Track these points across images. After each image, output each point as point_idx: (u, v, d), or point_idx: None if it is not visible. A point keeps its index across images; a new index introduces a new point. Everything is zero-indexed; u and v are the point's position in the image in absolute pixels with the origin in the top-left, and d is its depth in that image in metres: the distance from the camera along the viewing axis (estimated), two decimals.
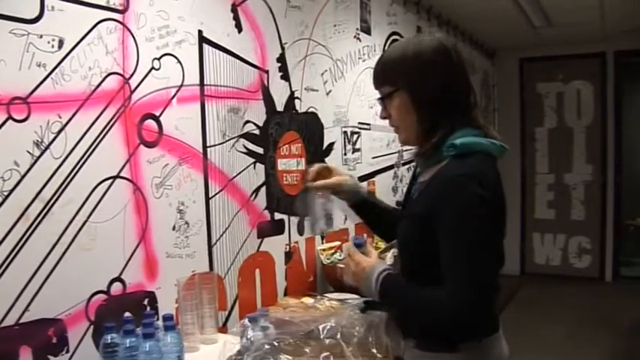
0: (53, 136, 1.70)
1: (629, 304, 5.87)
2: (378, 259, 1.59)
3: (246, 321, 1.81)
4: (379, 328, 1.70)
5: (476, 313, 1.35)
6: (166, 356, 1.67)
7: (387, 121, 1.59)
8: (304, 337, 1.70)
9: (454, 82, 1.48)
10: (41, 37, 1.67)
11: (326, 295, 2.78)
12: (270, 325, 1.81)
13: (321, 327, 1.71)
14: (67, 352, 1.75)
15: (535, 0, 4.73)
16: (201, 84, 2.28)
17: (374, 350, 1.64)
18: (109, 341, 1.68)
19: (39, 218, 1.67)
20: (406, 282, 1.50)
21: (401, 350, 1.60)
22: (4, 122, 1.57)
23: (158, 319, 1.94)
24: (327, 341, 1.66)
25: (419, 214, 1.43)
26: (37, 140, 1.66)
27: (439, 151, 1.44)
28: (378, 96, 1.56)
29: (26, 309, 1.63)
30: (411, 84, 1.47)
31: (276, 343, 1.68)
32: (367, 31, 3.68)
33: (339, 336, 1.64)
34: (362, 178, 3.61)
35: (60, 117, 1.72)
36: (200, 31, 2.26)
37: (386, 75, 1.53)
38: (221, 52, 2.38)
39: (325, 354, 1.63)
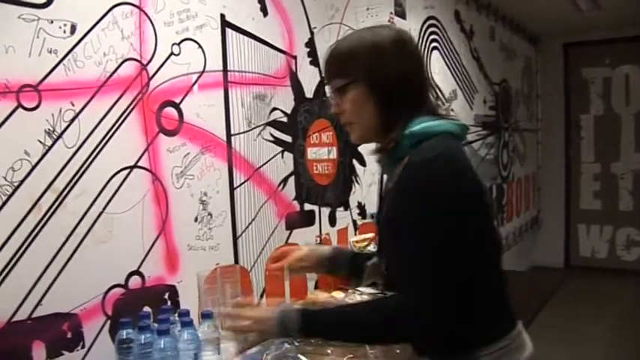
0: (66, 124, 1.64)
1: (623, 292, 5.63)
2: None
3: None
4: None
5: (442, 311, 1.22)
6: (183, 354, 1.60)
7: None
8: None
9: (413, 73, 1.39)
10: (52, 22, 1.60)
11: (359, 289, 2.67)
12: None
13: None
14: (83, 347, 1.69)
15: None
16: (225, 70, 2.19)
17: (397, 351, 1.53)
18: (124, 337, 1.62)
19: (52, 209, 1.61)
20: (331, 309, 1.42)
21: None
22: (14, 111, 1.51)
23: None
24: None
25: (393, 221, 1.33)
26: (49, 129, 1.60)
27: (400, 146, 1.32)
28: (329, 91, 1.46)
29: (39, 303, 1.58)
30: (369, 74, 1.36)
31: (297, 343, 1.59)
32: (402, 15, 3.54)
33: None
34: None
35: (73, 105, 1.66)
36: (222, 15, 2.17)
37: (341, 66, 1.41)
38: (245, 37, 2.29)
39: (349, 356, 1.53)
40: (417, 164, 1.27)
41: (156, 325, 1.64)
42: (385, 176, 1.49)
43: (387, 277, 1.42)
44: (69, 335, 1.65)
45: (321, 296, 2.53)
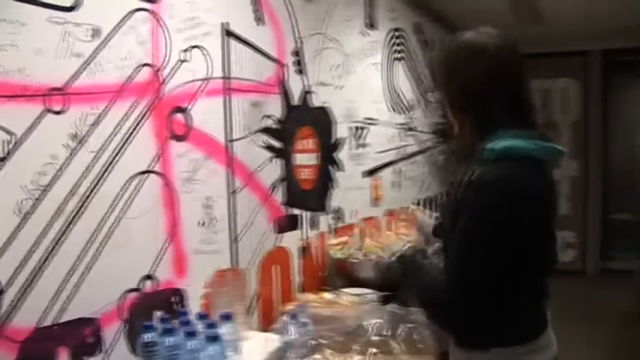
0: (88, 128, 1.64)
1: (613, 297, 5.97)
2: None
3: (286, 317, 1.77)
4: (423, 326, 1.67)
5: (457, 314, 1.39)
6: (211, 355, 1.62)
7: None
8: (349, 334, 1.66)
9: (477, 84, 1.44)
10: (78, 25, 1.61)
11: (341, 290, 2.74)
12: (310, 321, 1.77)
13: (364, 323, 1.68)
14: (101, 351, 1.69)
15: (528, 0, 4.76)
16: (226, 77, 2.23)
17: (420, 346, 1.61)
18: (148, 340, 1.63)
19: (75, 214, 1.61)
20: (427, 264, 1.59)
21: (442, 346, 1.60)
22: (42, 114, 1.51)
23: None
24: (375, 338, 1.63)
25: (454, 212, 1.44)
26: (73, 133, 1.60)
27: (480, 153, 1.42)
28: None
29: (63, 308, 1.57)
30: (443, 88, 1.50)
31: (322, 340, 1.64)
32: (372, 26, 3.65)
33: (387, 332, 1.61)
34: (367, 173, 3.59)
35: (95, 109, 1.66)
36: (225, 24, 2.21)
37: (435, 80, 1.55)
38: (243, 45, 2.33)
39: (373, 350, 1.60)
40: (486, 184, 1.37)
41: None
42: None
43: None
44: (90, 340, 1.65)
45: (311, 297, 2.58)
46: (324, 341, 1.65)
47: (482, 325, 1.41)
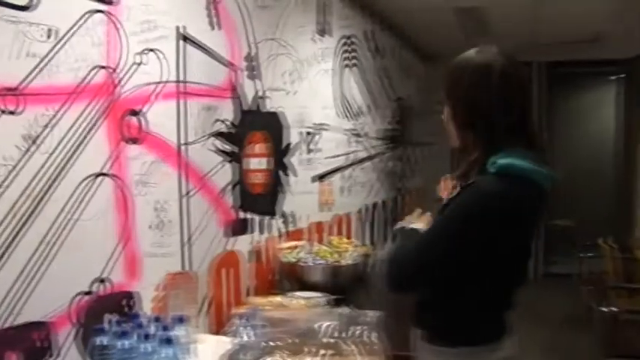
0: (41, 130, 1.63)
1: (554, 300, 6.22)
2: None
3: (238, 320, 1.79)
4: (376, 327, 1.72)
5: (394, 273, 1.57)
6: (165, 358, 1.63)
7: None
8: (302, 336, 1.70)
9: (486, 104, 1.51)
10: (32, 25, 1.59)
11: (290, 293, 2.77)
12: (262, 324, 1.80)
13: (316, 325, 1.71)
14: (51, 356, 1.67)
15: (475, 10, 4.90)
16: (180, 81, 2.23)
17: (372, 347, 1.66)
18: (101, 343, 1.63)
19: (27, 216, 1.59)
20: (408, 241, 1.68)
21: (394, 347, 1.68)
22: None
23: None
24: (327, 340, 1.67)
25: (441, 211, 1.57)
26: (27, 134, 1.58)
27: (480, 168, 1.51)
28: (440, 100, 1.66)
29: (12, 312, 1.54)
30: (449, 99, 1.57)
31: (273, 343, 1.67)
32: (324, 33, 3.71)
33: (339, 334, 1.65)
34: (317, 178, 3.64)
35: (49, 110, 1.65)
36: (179, 27, 2.22)
37: (444, 81, 1.60)
38: (197, 49, 2.34)
39: (326, 352, 1.64)
40: (483, 193, 1.47)
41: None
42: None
43: None
44: (40, 344, 1.63)
45: (260, 301, 2.60)
46: (277, 343, 1.67)
47: (447, 323, 1.58)
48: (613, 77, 7.29)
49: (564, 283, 6.26)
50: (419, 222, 1.75)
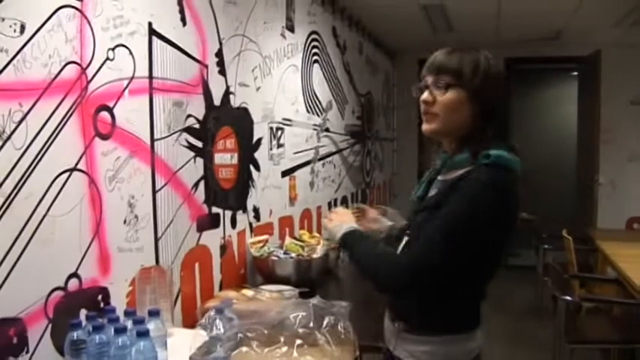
0: (15, 125, 1.63)
1: (516, 291, 6.39)
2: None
3: (212, 313, 1.82)
4: (346, 317, 1.76)
5: (406, 280, 1.57)
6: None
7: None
8: (275, 327, 1.73)
9: (504, 103, 1.67)
10: (3, 20, 1.59)
11: (261, 287, 2.81)
12: (235, 316, 1.83)
13: (292, 316, 1.75)
14: (27, 352, 1.67)
15: (440, 6, 4.99)
16: (150, 77, 2.24)
17: (343, 337, 1.71)
18: (76, 338, 1.64)
19: (1, 213, 1.59)
20: (371, 240, 1.79)
21: (385, 337, 1.75)
22: None
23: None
24: (300, 330, 1.70)
25: (438, 206, 1.57)
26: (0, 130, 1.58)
27: (468, 158, 1.57)
28: (443, 82, 1.61)
29: None
30: (480, 88, 1.58)
31: (249, 334, 1.71)
32: (291, 29, 3.73)
33: (311, 325, 1.69)
34: (285, 173, 3.67)
35: (21, 106, 1.65)
36: (150, 23, 2.22)
37: (463, 70, 1.59)
38: (168, 45, 2.35)
39: (299, 342, 1.68)
40: (483, 183, 1.51)
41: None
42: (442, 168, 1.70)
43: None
44: (14, 341, 1.63)
45: (231, 294, 2.62)
46: (250, 334, 1.70)
47: (430, 312, 1.64)
48: (575, 73, 7.47)
49: (527, 275, 6.42)
50: (349, 219, 1.83)
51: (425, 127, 1.67)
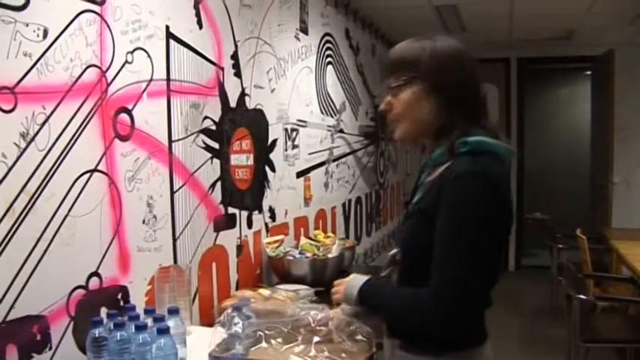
0: (38, 127, 1.67)
1: (530, 291, 6.39)
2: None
3: (230, 310, 1.85)
4: (362, 316, 1.75)
5: (458, 314, 1.37)
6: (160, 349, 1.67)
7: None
8: (294, 325, 1.76)
9: (472, 83, 1.50)
10: (27, 25, 1.63)
11: (277, 286, 2.84)
12: (253, 314, 1.85)
13: (305, 315, 1.77)
14: (50, 349, 1.71)
15: (453, 7, 5.00)
16: (168, 79, 2.28)
17: (360, 337, 1.72)
18: (98, 335, 1.67)
19: (24, 212, 1.63)
20: (388, 285, 1.55)
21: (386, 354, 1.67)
22: None
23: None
24: (317, 328, 1.73)
25: (423, 211, 1.45)
26: (23, 132, 1.62)
27: (447, 151, 1.44)
28: (394, 84, 1.52)
29: (12, 306, 1.59)
30: (432, 74, 1.46)
31: (267, 332, 1.73)
32: (305, 31, 3.76)
33: (330, 324, 1.71)
34: (299, 174, 3.70)
35: (44, 108, 1.69)
36: (167, 27, 2.26)
37: (404, 64, 1.50)
38: (184, 48, 2.39)
39: (317, 339, 1.70)
40: (470, 175, 1.37)
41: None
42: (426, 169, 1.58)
43: (403, 266, 1.53)
44: (38, 338, 1.67)
45: (248, 293, 2.66)
46: (269, 332, 1.73)
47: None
48: (588, 72, 7.45)
49: (541, 275, 6.41)
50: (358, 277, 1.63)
51: (394, 136, 1.57)
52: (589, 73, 7.41)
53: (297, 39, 3.65)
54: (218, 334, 1.81)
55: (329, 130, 4.27)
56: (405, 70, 1.50)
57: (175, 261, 2.35)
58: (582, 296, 3.47)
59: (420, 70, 1.47)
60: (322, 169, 4.17)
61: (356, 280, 1.58)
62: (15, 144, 1.60)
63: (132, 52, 2.06)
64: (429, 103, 1.48)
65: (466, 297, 1.37)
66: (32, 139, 1.65)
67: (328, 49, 4.24)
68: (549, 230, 5.89)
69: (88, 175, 1.86)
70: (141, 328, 1.66)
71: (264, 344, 1.70)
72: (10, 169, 1.58)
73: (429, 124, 1.51)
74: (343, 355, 1.67)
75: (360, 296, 1.55)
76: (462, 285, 1.35)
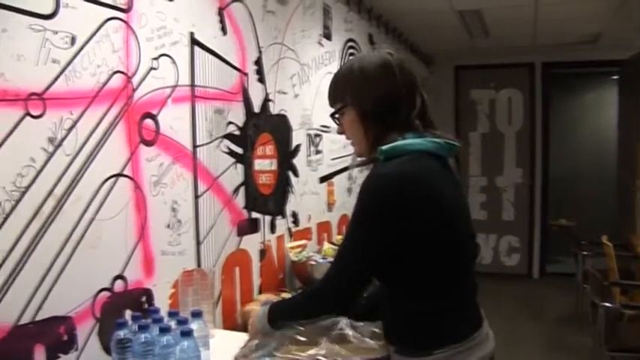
0: (65, 132, 1.70)
1: (555, 298, 6.30)
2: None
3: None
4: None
5: (336, 285, 1.58)
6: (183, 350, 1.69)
7: None
8: (317, 329, 1.76)
9: (396, 96, 1.55)
10: (56, 33, 1.66)
11: (299, 290, 2.85)
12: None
13: (328, 319, 1.78)
14: (76, 349, 1.75)
15: (476, 12, 4.98)
16: (192, 85, 2.31)
17: (379, 341, 1.72)
18: (123, 337, 1.69)
19: (52, 215, 1.66)
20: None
21: None
22: (22, 118, 1.57)
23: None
24: (338, 332, 1.73)
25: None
26: (51, 137, 1.66)
27: (377, 161, 1.55)
28: (334, 113, 1.69)
29: (40, 307, 1.62)
30: (356, 99, 1.58)
31: (291, 334, 1.74)
32: (328, 37, 3.78)
33: (351, 327, 1.72)
34: (323, 179, 3.71)
35: (71, 114, 1.72)
36: (192, 33, 2.29)
37: (336, 92, 1.66)
38: (209, 54, 2.42)
39: (339, 342, 1.70)
40: (371, 176, 1.52)
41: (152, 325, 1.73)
42: None
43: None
44: (65, 338, 1.71)
45: (271, 297, 2.67)
46: (292, 335, 1.74)
47: (413, 330, 1.55)
48: (615, 77, 7.35)
49: (566, 283, 6.32)
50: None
51: (354, 152, 1.71)
52: (615, 77, 7.31)
53: (321, 44, 3.66)
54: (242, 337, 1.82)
55: None
56: (337, 100, 1.66)
57: (199, 265, 2.37)
58: (607, 304, 3.42)
59: (349, 97, 1.61)
60: (345, 174, 4.17)
61: (261, 311, 1.74)
62: (43, 149, 1.63)
63: (157, 59, 2.09)
64: (362, 125, 1.60)
65: (342, 272, 1.57)
66: (60, 144, 1.68)
67: (351, 54, 4.24)
68: (574, 237, 5.81)
69: (113, 179, 1.89)
70: (165, 330, 1.68)
71: (288, 346, 1.71)
72: (38, 173, 1.61)
73: (368, 141, 1.61)
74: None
75: (270, 320, 1.69)
76: (343, 262, 1.57)
